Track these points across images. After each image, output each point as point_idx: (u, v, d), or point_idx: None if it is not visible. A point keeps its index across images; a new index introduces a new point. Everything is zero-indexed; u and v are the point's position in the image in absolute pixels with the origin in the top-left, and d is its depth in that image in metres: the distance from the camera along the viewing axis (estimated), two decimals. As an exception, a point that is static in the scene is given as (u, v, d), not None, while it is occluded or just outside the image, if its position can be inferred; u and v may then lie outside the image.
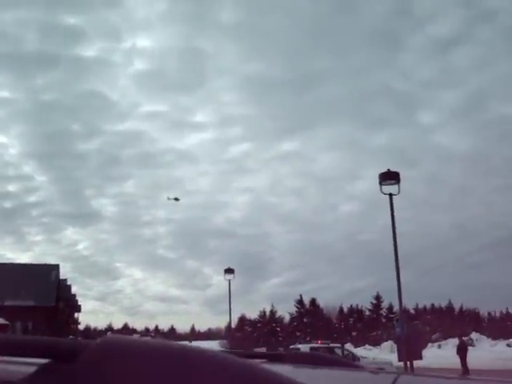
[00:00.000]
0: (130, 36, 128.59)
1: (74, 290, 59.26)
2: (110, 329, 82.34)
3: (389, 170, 14.91)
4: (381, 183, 14.80)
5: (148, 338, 0.57)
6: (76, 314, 59.12)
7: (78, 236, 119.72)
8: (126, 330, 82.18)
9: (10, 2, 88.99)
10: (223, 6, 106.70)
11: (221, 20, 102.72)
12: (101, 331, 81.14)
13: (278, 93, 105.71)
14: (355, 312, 67.17)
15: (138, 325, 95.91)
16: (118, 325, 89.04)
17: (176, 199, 51.52)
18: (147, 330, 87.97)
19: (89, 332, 56.65)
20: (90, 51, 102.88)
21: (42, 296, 44.90)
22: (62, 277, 52.10)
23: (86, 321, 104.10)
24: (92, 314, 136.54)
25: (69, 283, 56.15)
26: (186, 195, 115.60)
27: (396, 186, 14.82)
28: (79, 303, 61.02)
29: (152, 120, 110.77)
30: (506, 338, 40.11)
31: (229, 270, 30.40)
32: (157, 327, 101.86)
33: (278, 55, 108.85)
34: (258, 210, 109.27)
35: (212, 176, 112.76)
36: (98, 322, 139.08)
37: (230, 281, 30.14)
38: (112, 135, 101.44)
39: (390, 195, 14.71)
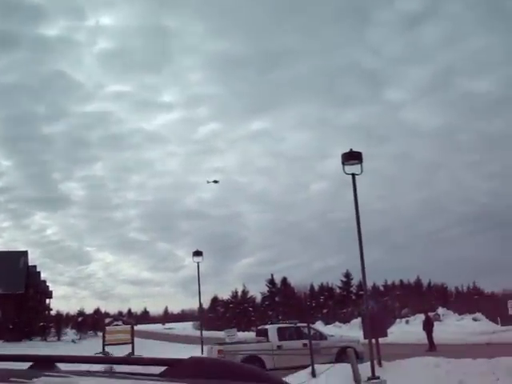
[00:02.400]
0: (94, 14, 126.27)
1: (44, 276, 58.83)
2: (81, 314, 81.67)
3: (351, 149, 14.97)
4: (343, 163, 14.85)
5: None
6: (47, 301, 58.61)
7: (47, 221, 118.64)
8: (98, 314, 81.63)
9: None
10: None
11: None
12: (73, 316, 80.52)
13: (245, 71, 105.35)
14: (326, 290, 67.93)
15: (111, 309, 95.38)
16: (90, 309, 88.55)
17: (215, 181, 52.09)
18: (120, 313, 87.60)
19: (61, 318, 56.09)
20: (52, 30, 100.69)
21: (10, 283, 44.41)
22: (30, 263, 51.61)
23: (57, 307, 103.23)
24: (64, 300, 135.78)
25: (38, 269, 55.65)
26: (155, 177, 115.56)
27: (359, 165, 14.90)
28: (50, 289, 60.54)
29: (118, 100, 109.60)
30: (472, 312, 40.80)
31: (197, 253, 30.36)
32: (130, 310, 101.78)
33: (243, 33, 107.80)
34: (229, 191, 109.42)
35: (181, 157, 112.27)
36: (71, 308, 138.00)
37: (198, 263, 30.15)
38: (78, 117, 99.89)
39: (353, 175, 14.79)
